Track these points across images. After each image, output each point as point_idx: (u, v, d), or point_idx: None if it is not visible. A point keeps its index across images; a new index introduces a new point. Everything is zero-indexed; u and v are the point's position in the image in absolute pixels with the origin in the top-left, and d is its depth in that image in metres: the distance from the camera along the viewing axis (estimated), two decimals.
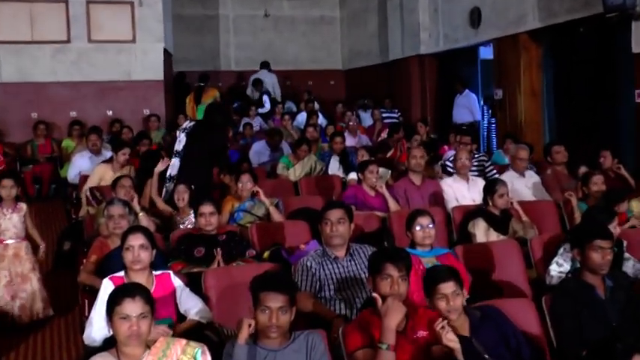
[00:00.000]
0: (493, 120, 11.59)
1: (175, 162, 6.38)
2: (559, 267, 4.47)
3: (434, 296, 3.33)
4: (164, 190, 6.35)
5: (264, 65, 13.37)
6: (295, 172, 7.80)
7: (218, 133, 6.54)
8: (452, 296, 3.30)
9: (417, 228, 4.37)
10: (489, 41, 10.52)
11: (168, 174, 6.36)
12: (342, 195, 6.34)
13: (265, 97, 12.72)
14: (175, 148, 6.45)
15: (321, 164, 8.00)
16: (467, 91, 11.23)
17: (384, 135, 9.61)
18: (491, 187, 5.48)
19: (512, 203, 5.55)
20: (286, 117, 10.88)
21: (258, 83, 13.02)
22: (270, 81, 13.08)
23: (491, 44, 10.47)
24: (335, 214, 4.19)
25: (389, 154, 8.44)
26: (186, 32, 14.15)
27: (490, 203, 5.42)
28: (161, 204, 6.15)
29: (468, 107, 11.13)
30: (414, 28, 12.21)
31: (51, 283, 5.99)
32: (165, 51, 10.84)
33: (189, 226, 5.57)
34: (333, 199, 6.77)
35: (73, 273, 5.33)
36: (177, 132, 6.69)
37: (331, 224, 4.15)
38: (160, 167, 6.30)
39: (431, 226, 4.39)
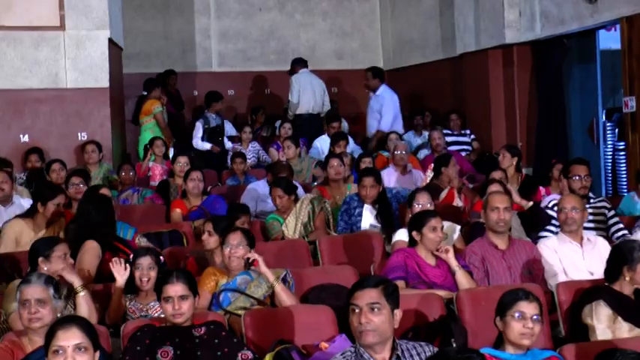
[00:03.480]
0: (621, 145, 11.60)
1: None
2: None
3: None
4: None
5: (298, 63, 12.99)
6: (288, 228, 7.98)
7: None
8: None
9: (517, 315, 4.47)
10: (615, 21, 10.59)
11: None
12: (386, 264, 6.37)
13: (198, 124, 12.10)
14: None
15: (321, 202, 8.17)
16: (384, 87, 12.05)
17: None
18: (629, 254, 5.47)
19: None
20: (287, 142, 10.85)
21: (213, 99, 12.37)
22: (320, 88, 12.80)
23: (618, 26, 10.54)
24: (365, 297, 4.17)
25: (441, 199, 8.49)
26: (143, 14, 14.40)
27: (624, 278, 5.45)
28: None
29: (378, 111, 11.94)
30: (494, 3, 12.34)
31: None
32: (112, 42, 10.99)
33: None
34: (371, 272, 6.82)
35: None
36: None
37: (360, 313, 4.14)
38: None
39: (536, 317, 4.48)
